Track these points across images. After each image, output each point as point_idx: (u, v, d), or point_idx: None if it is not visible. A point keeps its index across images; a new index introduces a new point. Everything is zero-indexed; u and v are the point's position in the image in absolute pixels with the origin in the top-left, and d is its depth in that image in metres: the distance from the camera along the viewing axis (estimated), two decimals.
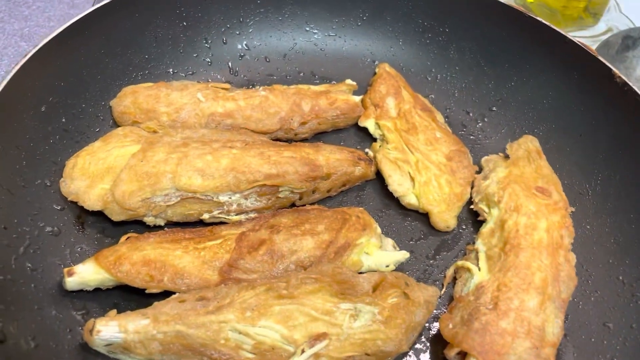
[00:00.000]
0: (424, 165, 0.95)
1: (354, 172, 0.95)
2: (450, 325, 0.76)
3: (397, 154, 0.96)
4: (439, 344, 0.79)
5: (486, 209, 0.91)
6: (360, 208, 0.90)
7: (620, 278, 0.87)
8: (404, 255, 0.85)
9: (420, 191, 0.93)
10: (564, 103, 1.05)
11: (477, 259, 0.85)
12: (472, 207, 0.94)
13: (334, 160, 0.93)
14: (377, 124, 1.02)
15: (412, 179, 0.94)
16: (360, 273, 0.80)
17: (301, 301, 0.73)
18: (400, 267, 0.86)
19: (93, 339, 0.68)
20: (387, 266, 0.84)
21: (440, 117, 1.03)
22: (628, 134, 0.95)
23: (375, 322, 0.74)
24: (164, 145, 0.87)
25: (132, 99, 0.96)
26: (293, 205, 0.92)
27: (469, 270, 0.84)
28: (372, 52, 1.18)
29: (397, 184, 0.93)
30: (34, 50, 0.87)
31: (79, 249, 0.82)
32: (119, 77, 1.00)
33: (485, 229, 0.89)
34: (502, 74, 1.11)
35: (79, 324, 0.73)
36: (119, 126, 0.96)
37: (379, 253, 0.84)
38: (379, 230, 0.87)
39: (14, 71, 0.84)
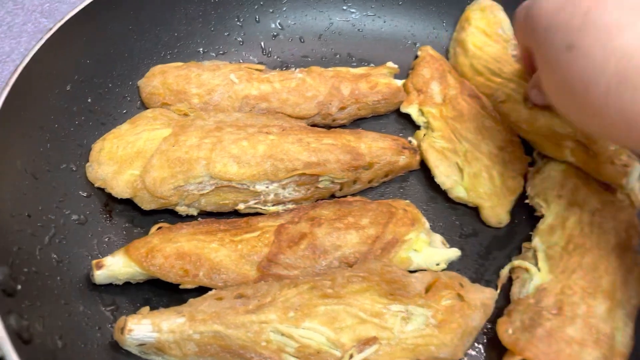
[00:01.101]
0: (473, 156, 0.88)
1: (397, 161, 0.88)
2: (510, 331, 0.70)
3: (444, 143, 0.89)
4: (494, 349, 0.73)
5: (543, 204, 0.84)
6: (407, 201, 0.83)
7: None
8: (455, 252, 0.79)
9: (469, 184, 0.86)
10: None
11: (535, 258, 0.78)
12: (527, 201, 0.87)
13: (377, 148, 0.87)
14: (420, 110, 0.95)
15: (461, 171, 0.87)
16: (410, 272, 0.74)
17: (348, 301, 0.67)
18: (450, 266, 0.80)
19: (124, 338, 0.62)
20: (438, 264, 0.78)
21: (488, 104, 0.95)
22: None
23: (429, 326, 0.67)
24: (197, 130, 0.81)
25: (161, 79, 0.90)
26: (333, 196, 0.86)
27: (527, 270, 0.77)
28: (413, 33, 1.10)
29: (445, 175, 0.86)
30: (58, 25, 0.81)
31: (106, 239, 0.76)
32: (147, 56, 0.94)
33: (543, 226, 0.82)
34: None
35: (108, 321, 0.68)
36: (147, 108, 0.90)
37: (428, 250, 0.78)
38: (427, 225, 0.80)
39: (37, 47, 0.78)
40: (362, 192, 0.88)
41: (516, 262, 0.79)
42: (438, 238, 0.82)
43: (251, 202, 0.80)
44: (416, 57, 1.03)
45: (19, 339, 0.55)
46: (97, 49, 0.88)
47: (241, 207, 0.80)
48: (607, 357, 0.67)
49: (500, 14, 1.03)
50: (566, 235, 0.78)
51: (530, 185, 0.87)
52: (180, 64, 0.93)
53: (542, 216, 0.83)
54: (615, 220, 0.79)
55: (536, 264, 0.77)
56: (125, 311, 0.70)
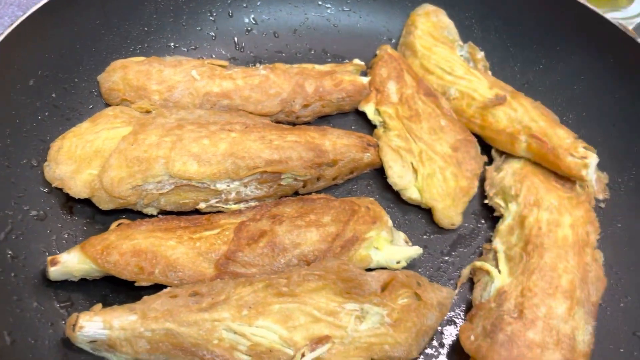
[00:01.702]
0: (427, 156, 0.87)
1: (362, 158, 0.87)
2: (472, 337, 0.69)
3: (400, 142, 0.88)
4: (451, 349, 0.73)
5: (502, 204, 0.84)
6: (371, 199, 0.83)
7: None
8: (416, 250, 0.78)
9: (423, 185, 0.85)
10: (596, 89, 0.96)
11: (495, 259, 0.78)
12: (486, 201, 0.86)
13: (341, 145, 0.86)
14: (377, 109, 0.94)
15: (415, 171, 0.86)
16: (369, 270, 0.74)
17: (303, 300, 0.67)
18: (412, 264, 0.80)
19: (75, 335, 0.62)
20: (398, 262, 0.77)
21: (445, 103, 0.95)
22: None
23: (384, 325, 0.67)
24: (157, 128, 0.80)
25: (121, 74, 0.89)
26: (297, 193, 0.85)
27: (488, 273, 0.76)
28: (388, 29, 1.09)
29: (398, 175, 0.86)
30: (21, 18, 0.81)
31: (65, 235, 0.76)
32: (115, 51, 0.93)
33: (503, 226, 0.81)
34: (529, 56, 1.03)
35: (62, 317, 0.68)
36: (107, 104, 0.89)
37: (389, 248, 0.78)
38: (390, 223, 0.80)
39: None
40: (328, 190, 0.88)
41: (478, 264, 0.78)
42: (401, 236, 0.81)
43: (212, 201, 0.80)
44: (374, 56, 1.03)
45: None
46: (63, 44, 0.87)
47: (202, 206, 0.79)
48: (568, 358, 0.67)
49: (444, 18, 1.04)
50: (525, 235, 0.77)
51: (488, 184, 0.87)
52: (142, 58, 0.92)
53: (501, 216, 0.83)
54: (572, 216, 0.78)
55: (497, 266, 0.77)
56: (81, 308, 0.70)
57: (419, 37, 1.01)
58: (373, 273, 0.70)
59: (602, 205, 0.87)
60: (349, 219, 0.77)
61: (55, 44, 0.86)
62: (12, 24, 0.79)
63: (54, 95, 0.85)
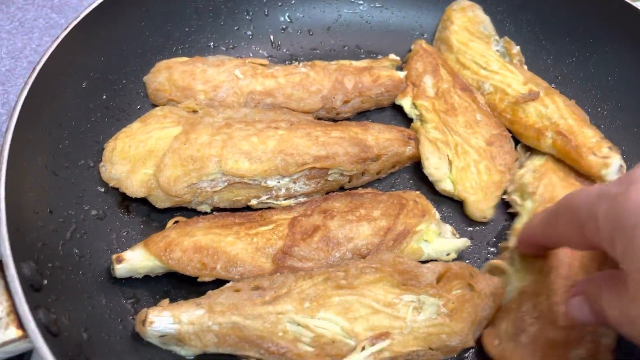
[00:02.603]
0: (463, 150, 0.89)
1: (404, 152, 0.89)
2: (496, 342, 0.70)
3: (438, 134, 0.90)
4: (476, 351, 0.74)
5: (519, 201, 0.85)
6: (417, 192, 0.85)
7: None
8: (465, 242, 0.80)
9: (457, 177, 0.87)
10: (631, 79, 0.98)
11: (512, 258, 0.78)
12: (504, 197, 0.87)
13: (384, 140, 0.88)
14: (413, 103, 0.96)
15: (450, 163, 0.88)
16: (421, 262, 0.75)
17: (361, 292, 0.69)
18: (460, 256, 0.82)
19: (146, 330, 0.65)
20: (448, 254, 0.79)
21: (481, 98, 0.96)
22: None
23: (440, 315, 0.69)
24: (207, 127, 0.82)
25: (166, 75, 0.91)
26: (342, 188, 0.87)
27: (504, 272, 0.77)
28: (420, 24, 1.11)
29: (434, 167, 0.87)
30: (73, 23, 0.82)
31: (125, 234, 0.78)
32: (159, 52, 0.95)
33: (518, 224, 0.82)
34: (562, 49, 1.04)
35: (129, 313, 0.70)
36: (154, 104, 0.91)
37: (439, 240, 0.80)
38: (437, 215, 0.82)
39: (53, 46, 0.79)
40: (372, 184, 0.90)
41: (494, 263, 0.78)
42: (448, 228, 0.83)
43: (263, 198, 0.82)
44: (409, 50, 1.04)
45: (48, 332, 0.57)
46: (110, 46, 0.89)
47: (254, 202, 0.82)
48: (592, 353, 0.67)
49: (480, 13, 1.05)
50: None
51: (509, 181, 0.88)
52: (185, 59, 0.94)
53: (517, 213, 0.84)
54: None
55: (513, 264, 0.77)
56: (145, 304, 0.72)
57: (455, 32, 1.03)
58: (428, 265, 0.72)
59: None
60: (399, 212, 0.79)
61: (104, 47, 0.88)
62: (66, 28, 0.80)
63: (104, 97, 0.87)
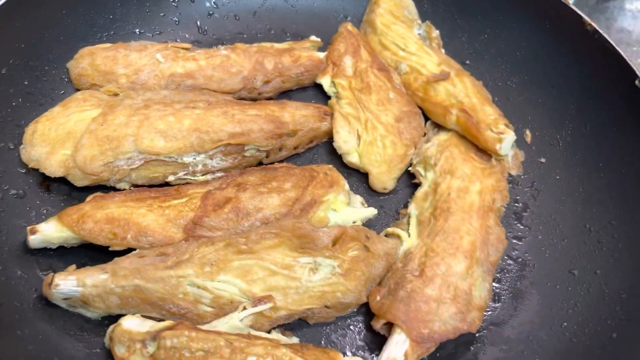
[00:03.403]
0: (372, 125, 0.94)
1: (320, 127, 0.94)
2: (378, 297, 0.75)
3: (350, 110, 0.95)
4: (367, 316, 0.78)
5: (422, 172, 0.90)
6: (330, 165, 0.89)
7: (587, 226, 0.88)
8: (371, 211, 0.85)
9: (363, 150, 0.92)
10: (536, 54, 1.03)
11: (408, 224, 0.84)
12: (409, 169, 0.93)
13: (300, 116, 0.93)
14: (332, 82, 1.01)
15: (359, 138, 0.93)
16: None
17: (260, 256, 0.74)
18: (370, 223, 0.86)
19: (52, 292, 0.69)
20: (354, 222, 0.84)
21: (397, 78, 1.01)
22: (598, 84, 0.94)
23: (335, 275, 0.75)
24: (125, 108, 0.86)
25: (89, 60, 0.94)
26: (261, 163, 0.92)
27: (398, 236, 0.82)
28: (344, 7, 1.15)
29: (343, 140, 0.92)
30: None
31: (44, 211, 0.82)
32: (82, 38, 0.99)
33: (419, 193, 0.88)
34: (475, 26, 1.09)
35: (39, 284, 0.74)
36: (77, 89, 0.94)
37: (346, 210, 0.84)
38: (347, 187, 0.87)
39: None
40: (292, 159, 0.95)
41: (389, 230, 0.84)
42: (358, 199, 0.88)
43: (181, 174, 0.86)
44: (336, 31, 1.09)
45: None
46: (32, 33, 0.92)
47: (171, 178, 0.86)
48: (463, 312, 0.73)
49: None
50: (435, 200, 0.83)
51: (415, 154, 0.93)
52: (108, 45, 0.97)
53: (420, 184, 0.90)
54: (482, 184, 0.85)
55: (408, 230, 0.83)
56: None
57: (380, 15, 1.07)
58: (325, 229, 0.77)
59: (515, 174, 0.94)
60: (308, 184, 0.83)
61: (25, 34, 0.91)
62: None
63: (26, 83, 0.90)
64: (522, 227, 0.90)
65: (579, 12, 0.96)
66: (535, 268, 0.84)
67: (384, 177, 0.91)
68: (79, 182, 0.82)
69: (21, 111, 0.88)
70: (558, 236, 0.88)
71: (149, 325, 0.68)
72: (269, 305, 0.71)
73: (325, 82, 1.02)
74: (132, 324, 0.68)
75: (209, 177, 0.87)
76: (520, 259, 0.86)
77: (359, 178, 0.94)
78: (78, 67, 0.94)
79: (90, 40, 1.00)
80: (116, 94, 0.92)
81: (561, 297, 0.81)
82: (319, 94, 1.04)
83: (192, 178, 0.87)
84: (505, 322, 0.79)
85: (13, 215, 0.79)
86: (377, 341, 0.76)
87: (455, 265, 0.76)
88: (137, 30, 1.05)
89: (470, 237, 0.78)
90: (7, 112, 0.86)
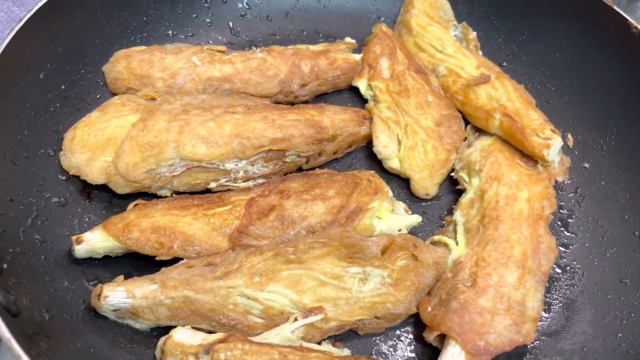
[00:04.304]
0: (412, 130, 0.92)
1: (359, 132, 0.93)
2: (429, 308, 0.74)
3: (389, 114, 0.93)
4: (418, 327, 0.77)
5: (466, 178, 0.89)
6: (372, 171, 0.88)
7: (637, 234, 0.86)
8: (416, 219, 0.84)
9: (404, 156, 0.90)
10: (577, 56, 1.01)
11: (455, 231, 0.83)
12: (452, 174, 0.91)
13: (339, 120, 0.91)
14: (369, 85, 0.99)
15: (399, 142, 0.91)
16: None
17: (309, 266, 0.72)
18: (413, 231, 0.85)
19: (100, 304, 0.68)
20: (400, 230, 0.83)
21: (434, 80, 0.99)
22: None
23: (385, 285, 0.73)
24: (164, 113, 0.85)
25: (125, 63, 0.93)
26: (300, 169, 0.91)
27: (446, 245, 0.81)
28: (377, 8, 1.13)
29: (383, 145, 0.90)
30: (28, 15, 0.84)
31: (86, 219, 0.81)
32: (117, 41, 0.97)
33: (464, 200, 0.86)
34: (512, 28, 1.07)
35: (88, 295, 0.73)
36: (113, 93, 0.93)
37: (391, 217, 0.83)
38: (390, 193, 0.85)
39: (9, 38, 0.81)
40: (330, 164, 0.93)
41: (436, 238, 0.82)
42: (401, 205, 0.87)
43: (222, 180, 0.85)
44: (370, 33, 1.07)
45: (7, 312, 0.60)
46: (68, 37, 0.91)
47: (213, 185, 0.85)
48: (518, 323, 0.71)
49: None
50: (483, 208, 0.82)
51: (458, 159, 0.91)
52: (143, 47, 0.96)
53: (464, 190, 0.88)
54: (530, 191, 0.83)
55: (455, 238, 0.81)
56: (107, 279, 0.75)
57: (415, 16, 1.05)
58: (373, 238, 0.76)
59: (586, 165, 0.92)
60: (352, 191, 0.82)
61: (61, 38, 0.90)
62: (20, 21, 0.83)
63: (63, 87, 0.89)
64: (568, 234, 0.88)
65: (624, 14, 0.94)
66: (584, 277, 0.83)
67: (426, 183, 0.89)
68: (121, 189, 0.81)
69: (59, 116, 0.87)
70: (606, 244, 0.86)
71: (200, 338, 0.67)
72: (320, 316, 0.70)
73: (362, 85, 1.00)
74: (183, 336, 0.67)
75: (250, 183, 0.86)
76: (568, 267, 0.84)
77: (399, 183, 0.93)
78: (114, 70, 0.93)
79: (124, 43, 0.99)
80: (153, 99, 0.90)
81: (614, 306, 0.80)
82: (354, 97, 1.03)
83: (234, 185, 0.86)
84: (558, 333, 0.77)
85: (56, 224, 0.78)
86: (428, 352, 0.75)
87: (507, 276, 0.74)
88: (170, 32, 1.04)
89: (521, 246, 0.77)
90: (45, 117, 0.85)
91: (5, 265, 0.66)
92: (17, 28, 0.83)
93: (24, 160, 0.80)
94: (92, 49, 0.94)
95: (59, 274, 0.73)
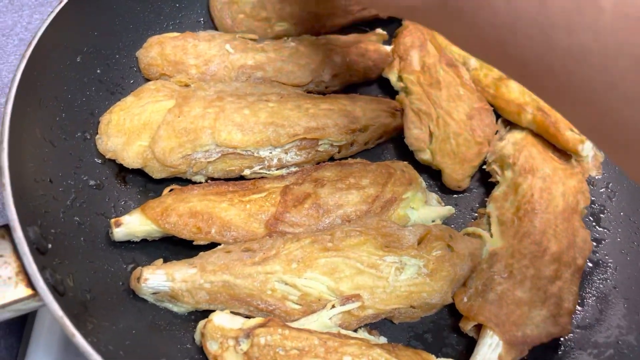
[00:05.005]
0: (444, 122, 0.91)
1: (391, 123, 0.93)
2: (465, 299, 0.74)
3: (421, 106, 0.93)
4: (453, 316, 0.78)
5: (499, 171, 0.88)
6: (405, 162, 0.88)
7: None
8: (449, 210, 0.84)
9: (436, 148, 0.90)
10: None
11: (488, 224, 0.82)
12: (484, 167, 0.91)
13: (371, 111, 0.91)
14: (400, 76, 0.98)
15: (431, 135, 0.91)
16: None
17: (346, 254, 0.73)
18: (446, 222, 0.85)
19: (140, 286, 0.69)
20: (433, 221, 0.83)
21: (465, 73, 0.98)
22: None
23: (421, 275, 0.74)
24: (199, 100, 0.85)
25: (158, 49, 0.93)
26: (332, 159, 0.91)
27: (480, 237, 0.81)
28: None
29: (414, 137, 0.90)
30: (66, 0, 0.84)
31: (122, 203, 0.82)
32: (150, 27, 0.97)
33: (497, 192, 0.86)
34: None
35: (129, 276, 0.74)
36: (147, 79, 0.93)
37: (424, 208, 0.83)
38: (424, 184, 0.85)
39: (48, 21, 0.80)
40: (361, 154, 0.93)
41: (470, 229, 0.83)
42: (434, 197, 0.87)
43: (256, 168, 0.85)
44: (400, 24, 1.06)
45: (55, 291, 0.61)
46: (103, 21, 0.91)
47: (247, 172, 0.85)
48: (554, 315, 0.72)
49: None
50: (517, 200, 0.82)
51: (490, 152, 0.91)
52: (176, 34, 0.96)
53: (497, 182, 0.88)
54: (564, 186, 0.83)
55: (489, 230, 0.82)
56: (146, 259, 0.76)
57: None
58: (410, 227, 0.76)
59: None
60: (387, 181, 0.82)
61: (96, 22, 0.89)
62: (59, 4, 0.82)
63: (98, 71, 0.89)
64: (600, 229, 0.88)
65: None
66: (617, 271, 0.83)
67: (458, 176, 0.89)
68: (157, 174, 0.82)
69: (94, 100, 0.87)
70: (638, 239, 0.86)
71: (240, 322, 0.68)
72: (358, 304, 0.70)
73: (393, 76, 0.99)
74: (223, 320, 0.67)
75: (284, 171, 0.86)
76: (601, 262, 0.84)
77: (430, 175, 0.92)
78: (147, 56, 0.93)
79: (157, 29, 0.98)
80: (187, 85, 0.90)
81: None
82: (384, 89, 1.02)
83: (268, 172, 0.86)
84: (592, 326, 0.78)
85: (94, 206, 0.78)
86: (464, 342, 0.75)
87: (543, 268, 0.74)
88: (202, 19, 1.03)
89: (557, 239, 0.77)
90: (82, 100, 0.85)
91: (49, 245, 0.67)
92: (55, 11, 0.82)
93: (62, 142, 0.80)
94: (126, 34, 0.94)
95: (98, 257, 0.74)
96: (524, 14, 0.47)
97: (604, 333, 0.77)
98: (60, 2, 0.83)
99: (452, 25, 0.56)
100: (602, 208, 0.90)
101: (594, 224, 0.88)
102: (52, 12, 0.82)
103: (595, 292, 0.81)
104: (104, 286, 0.71)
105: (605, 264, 0.84)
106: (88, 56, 0.88)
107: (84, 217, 0.76)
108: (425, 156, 0.91)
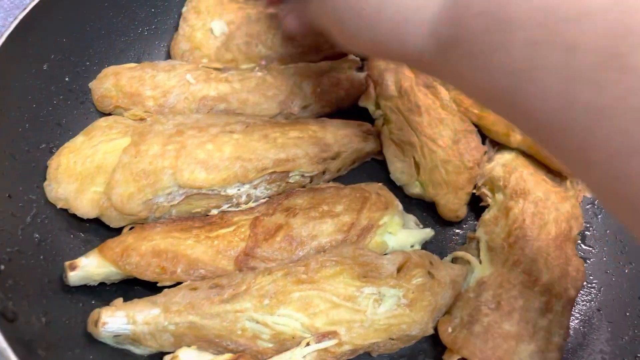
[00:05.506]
0: (429, 150, 0.86)
1: (364, 148, 0.88)
2: (450, 330, 0.70)
3: (402, 136, 0.88)
4: (437, 346, 0.74)
5: (489, 194, 0.85)
6: (379, 184, 0.84)
7: None
8: (429, 233, 0.80)
9: (426, 179, 0.85)
10: None
11: (478, 249, 0.79)
12: (474, 191, 0.86)
13: (343, 136, 0.86)
14: (377, 103, 0.93)
15: (417, 165, 0.86)
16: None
17: (322, 286, 0.68)
18: (424, 245, 0.82)
19: (99, 331, 0.63)
20: (412, 246, 0.79)
21: (444, 94, 0.92)
22: None
23: (400, 306, 0.69)
24: (157, 135, 0.78)
25: (113, 80, 0.87)
26: (303, 186, 0.85)
27: (469, 262, 0.77)
28: None
29: (400, 171, 0.86)
30: (32, 4, 0.79)
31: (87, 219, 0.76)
32: (124, 33, 0.93)
33: (487, 216, 0.82)
34: None
35: (91, 296, 0.70)
36: (99, 111, 0.87)
37: (402, 232, 0.79)
38: (400, 207, 0.81)
39: (13, 26, 0.77)
40: (335, 180, 0.88)
41: (459, 253, 0.79)
42: (411, 218, 0.83)
43: (224, 207, 0.79)
44: None
45: (3, 317, 0.56)
46: (73, 27, 0.86)
47: (214, 212, 0.79)
48: (542, 350, 0.68)
49: None
50: (508, 226, 0.78)
51: (479, 174, 0.86)
52: (133, 65, 0.90)
53: (487, 206, 0.84)
54: (557, 211, 0.79)
55: (478, 255, 0.78)
56: (108, 286, 0.71)
57: None
58: (388, 256, 0.72)
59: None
60: (362, 206, 0.78)
61: (66, 28, 0.85)
62: (24, 9, 0.78)
63: (67, 79, 0.84)
64: (585, 247, 0.85)
65: None
66: (601, 292, 0.80)
67: (454, 206, 0.84)
68: (115, 223, 0.75)
69: (62, 109, 0.82)
70: (624, 259, 0.83)
71: (208, 359, 0.64)
72: (335, 341, 0.66)
73: (371, 105, 0.94)
74: (189, 356, 0.63)
75: (252, 203, 0.81)
76: (585, 283, 0.81)
77: (404, 194, 0.88)
78: (101, 87, 0.87)
79: (131, 34, 0.94)
80: (142, 119, 0.84)
81: (632, 325, 0.77)
82: (359, 116, 0.95)
83: (236, 210, 0.80)
84: (575, 351, 0.74)
85: (56, 222, 0.73)
86: None
87: (533, 300, 0.71)
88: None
89: (548, 268, 0.73)
90: (48, 110, 0.80)
91: (2, 267, 0.62)
92: (20, 17, 0.78)
93: (25, 154, 0.75)
94: (98, 41, 0.89)
95: (57, 276, 0.69)
96: (545, 63, 0.44)
97: (586, 359, 0.74)
98: (25, 8, 0.78)
99: (461, 70, 0.53)
100: (587, 225, 0.87)
101: (579, 242, 0.85)
102: (15, 17, 0.77)
103: (578, 314, 0.78)
104: (62, 308, 0.65)
105: (589, 285, 0.81)
106: (56, 63, 0.83)
107: (45, 234, 0.71)
108: (415, 190, 0.86)
